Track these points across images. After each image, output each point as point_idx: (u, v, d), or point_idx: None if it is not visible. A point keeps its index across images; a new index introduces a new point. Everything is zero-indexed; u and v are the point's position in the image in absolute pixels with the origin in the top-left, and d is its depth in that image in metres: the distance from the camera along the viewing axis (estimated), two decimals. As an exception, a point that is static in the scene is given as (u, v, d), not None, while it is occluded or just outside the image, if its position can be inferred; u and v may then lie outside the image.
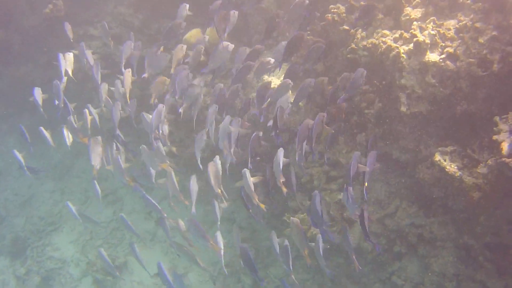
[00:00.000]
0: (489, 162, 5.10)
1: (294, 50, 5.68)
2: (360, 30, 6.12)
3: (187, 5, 6.17)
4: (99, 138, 6.18)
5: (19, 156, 6.86)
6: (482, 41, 5.42)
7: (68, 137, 6.47)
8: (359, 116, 6.12)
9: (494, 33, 5.39)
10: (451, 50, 5.48)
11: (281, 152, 5.30)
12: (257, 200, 5.33)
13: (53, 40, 8.24)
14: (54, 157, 9.19)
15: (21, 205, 9.12)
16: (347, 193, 5.11)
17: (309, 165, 6.47)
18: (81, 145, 6.60)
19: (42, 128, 6.75)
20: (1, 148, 8.82)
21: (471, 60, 5.42)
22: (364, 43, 6.02)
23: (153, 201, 5.96)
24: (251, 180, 5.33)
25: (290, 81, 5.58)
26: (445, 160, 5.46)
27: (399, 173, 6.22)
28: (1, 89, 8.55)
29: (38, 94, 6.63)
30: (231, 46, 5.68)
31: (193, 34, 7.33)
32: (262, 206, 5.39)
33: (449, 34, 5.62)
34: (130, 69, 6.18)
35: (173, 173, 5.79)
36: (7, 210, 9.11)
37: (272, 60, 5.77)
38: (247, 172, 5.35)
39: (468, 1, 5.79)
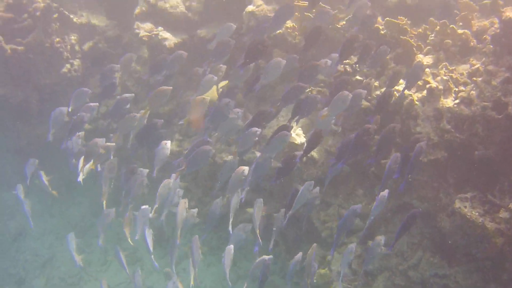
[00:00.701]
0: (511, 206, 4.96)
1: (350, 52, 5.62)
2: (373, 79, 6.08)
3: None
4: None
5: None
6: (495, 84, 5.34)
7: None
8: (376, 167, 6.00)
9: (507, 74, 5.31)
10: (464, 94, 5.41)
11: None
12: None
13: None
14: (75, 216, 9.19)
15: (41, 265, 9.07)
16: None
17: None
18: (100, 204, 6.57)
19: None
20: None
21: (485, 103, 5.32)
22: (378, 92, 5.97)
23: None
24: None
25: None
26: (465, 207, 5.29)
27: (421, 223, 6.05)
28: (21, 147, 8.61)
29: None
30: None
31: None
32: None
33: (462, 79, 5.58)
34: None
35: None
36: (26, 271, 9.06)
37: None
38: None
39: (480, 45, 5.77)
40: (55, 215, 9.03)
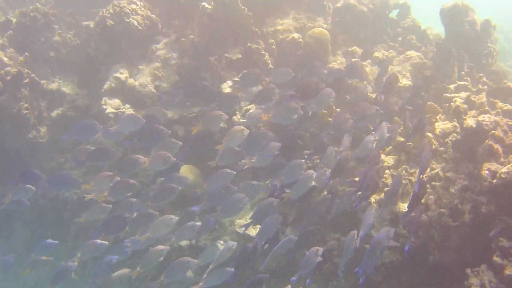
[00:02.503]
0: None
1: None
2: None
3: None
4: None
5: None
6: (453, 191, 5.35)
7: None
8: (331, 265, 5.90)
9: (465, 182, 5.33)
10: (422, 200, 5.39)
11: None
12: None
13: (33, 164, 8.23)
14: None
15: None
16: None
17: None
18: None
19: None
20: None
21: (442, 210, 5.31)
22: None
23: None
24: None
25: None
26: (417, 314, 5.21)
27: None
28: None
29: None
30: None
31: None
32: None
33: (420, 182, 5.55)
34: None
35: None
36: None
37: None
38: None
39: (442, 148, 5.79)
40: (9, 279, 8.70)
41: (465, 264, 5.00)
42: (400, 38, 8.20)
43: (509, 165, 4.91)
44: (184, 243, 6.57)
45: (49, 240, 5.91)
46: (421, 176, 5.09)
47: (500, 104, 6.31)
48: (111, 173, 5.57)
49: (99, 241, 5.53)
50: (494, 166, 5.06)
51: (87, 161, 5.72)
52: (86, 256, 5.58)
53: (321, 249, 5.11)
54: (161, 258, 5.40)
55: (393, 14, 8.82)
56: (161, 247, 5.39)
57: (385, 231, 4.82)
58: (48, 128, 8.15)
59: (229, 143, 5.36)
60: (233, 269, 5.16)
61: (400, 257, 5.48)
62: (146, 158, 5.49)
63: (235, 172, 5.42)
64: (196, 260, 5.26)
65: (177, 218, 5.40)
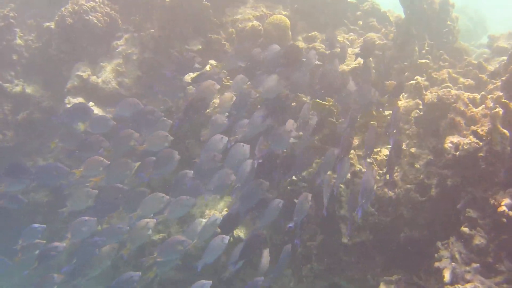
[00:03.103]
0: (435, 288, 4.87)
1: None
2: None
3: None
4: None
5: None
6: (419, 166, 5.38)
7: None
8: (303, 248, 5.90)
9: (430, 157, 5.36)
10: (387, 177, 5.41)
11: None
12: None
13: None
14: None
15: None
16: None
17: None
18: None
19: None
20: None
21: (408, 186, 5.34)
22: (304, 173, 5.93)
23: None
24: None
25: None
26: (391, 291, 5.23)
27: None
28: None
29: None
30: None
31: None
32: None
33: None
34: None
35: None
36: None
37: None
38: None
39: (406, 126, 5.82)
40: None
41: (437, 239, 5.02)
42: (360, 22, 8.22)
43: (470, 136, 4.94)
44: (156, 236, 6.52)
45: (36, 225, 5.73)
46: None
47: (461, 79, 6.38)
48: (102, 158, 5.46)
49: (87, 217, 5.39)
50: (456, 138, 5.10)
51: (77, 151, 5.63)
52: (76, 234, 5.38)
53: (310, 195, 5.09)
54: (149, 231, 5.29)
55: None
56: (147, 220, 5.27)
57: (370, 171, 4.95)
58: (15, 131, 8.03)
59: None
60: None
61: (371, 236, 5.49)
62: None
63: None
64: (190, 240, 5.17)
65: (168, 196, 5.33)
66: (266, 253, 5.28)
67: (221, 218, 5.25)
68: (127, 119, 5.69)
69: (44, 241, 5.73)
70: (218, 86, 5.72)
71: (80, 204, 5.53)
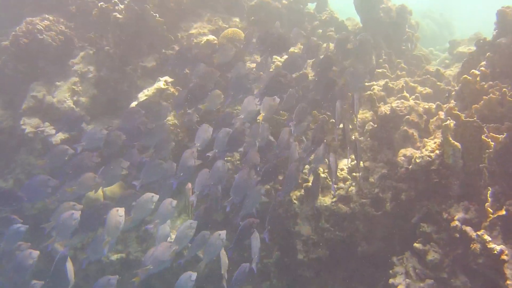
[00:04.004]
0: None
1: None
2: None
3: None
4: None
5: None
6: (373, 180, 5.31)
7: None
8: (262, 265, 5.81)
9: (384, 171, 5.30)
10: (342, 192, 5.35)
11: None
12: None
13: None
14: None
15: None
16: None
17: None
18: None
19: None
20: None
21: (363, 200, 5.28)
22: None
23: None
24: None
25: None
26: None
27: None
28: None
29: None
30: None
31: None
32: None
33: (341, 174, 5.51)
34: None
35: None
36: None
37: None
38: None
39: (361, 138, 5.76)
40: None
41: (394, 253, 4.98)
42: (320, 31, 8.16)
43: (423, 149, 4.90)
44: (115, 257, 6.40)
45: (18, 225, 5.37)
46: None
47: (419, 88, 6.35)
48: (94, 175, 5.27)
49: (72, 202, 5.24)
50: (409, 151, 5.05)
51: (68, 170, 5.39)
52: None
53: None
54: (153, 205, 5.11)
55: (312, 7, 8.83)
56: (151, 194, 5.11)
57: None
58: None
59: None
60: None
61: (327, 252, 5.43)
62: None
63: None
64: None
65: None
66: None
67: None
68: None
69: (29, 243, 5.46)
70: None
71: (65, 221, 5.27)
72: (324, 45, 7.43)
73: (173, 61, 6.28)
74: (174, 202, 5.07)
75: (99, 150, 5.57)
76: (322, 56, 6.16)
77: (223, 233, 4.93)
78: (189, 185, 5.39)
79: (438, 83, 6.46)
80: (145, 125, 5.51)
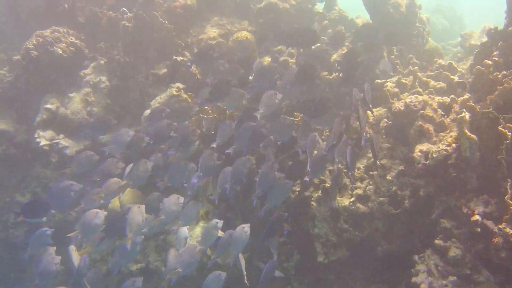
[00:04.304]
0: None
1: None
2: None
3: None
4: None
5: None
6: (390, 178, 5.25)
7: None
8: (281, 270, 5.77)
9: (401, 167, 5.24)
10: (360, 191, 5.29)
11: None
12: None
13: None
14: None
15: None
16: None
17: None
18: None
19: None
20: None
21: (381, 199, 5.22)
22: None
23: None
24: None
25: None
26: (372, 308, 5.11)
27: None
28: None
29: None
30: None
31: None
32: None
33: (358, 174, 5.46)
34: None
35: None
36: None
37: None
38: None
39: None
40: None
41: (415, 250, 4.91)
42: (330, 30, 8.12)
43: (439, 144, 4.84)
44: (134, 267, 6.38)
45: (44, 228, 5.28)
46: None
47: (432, 82, 6.27)
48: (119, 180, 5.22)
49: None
50: (426, 146, 4.98)
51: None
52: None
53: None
54: (180, 207, 5.04)
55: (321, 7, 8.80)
56: (176, 195, 5.07)
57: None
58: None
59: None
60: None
61: (348, 253, 5.38)
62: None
63: None
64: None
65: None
66: None
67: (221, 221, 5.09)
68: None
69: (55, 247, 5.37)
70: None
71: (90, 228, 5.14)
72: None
73: (196, 58, 6.27)
74: (200, 205, 5.07)
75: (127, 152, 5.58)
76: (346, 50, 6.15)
77: (247, 226, 4.84)
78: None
79: (452, 76, 6.38)
80: (171, 125, 5.46)
